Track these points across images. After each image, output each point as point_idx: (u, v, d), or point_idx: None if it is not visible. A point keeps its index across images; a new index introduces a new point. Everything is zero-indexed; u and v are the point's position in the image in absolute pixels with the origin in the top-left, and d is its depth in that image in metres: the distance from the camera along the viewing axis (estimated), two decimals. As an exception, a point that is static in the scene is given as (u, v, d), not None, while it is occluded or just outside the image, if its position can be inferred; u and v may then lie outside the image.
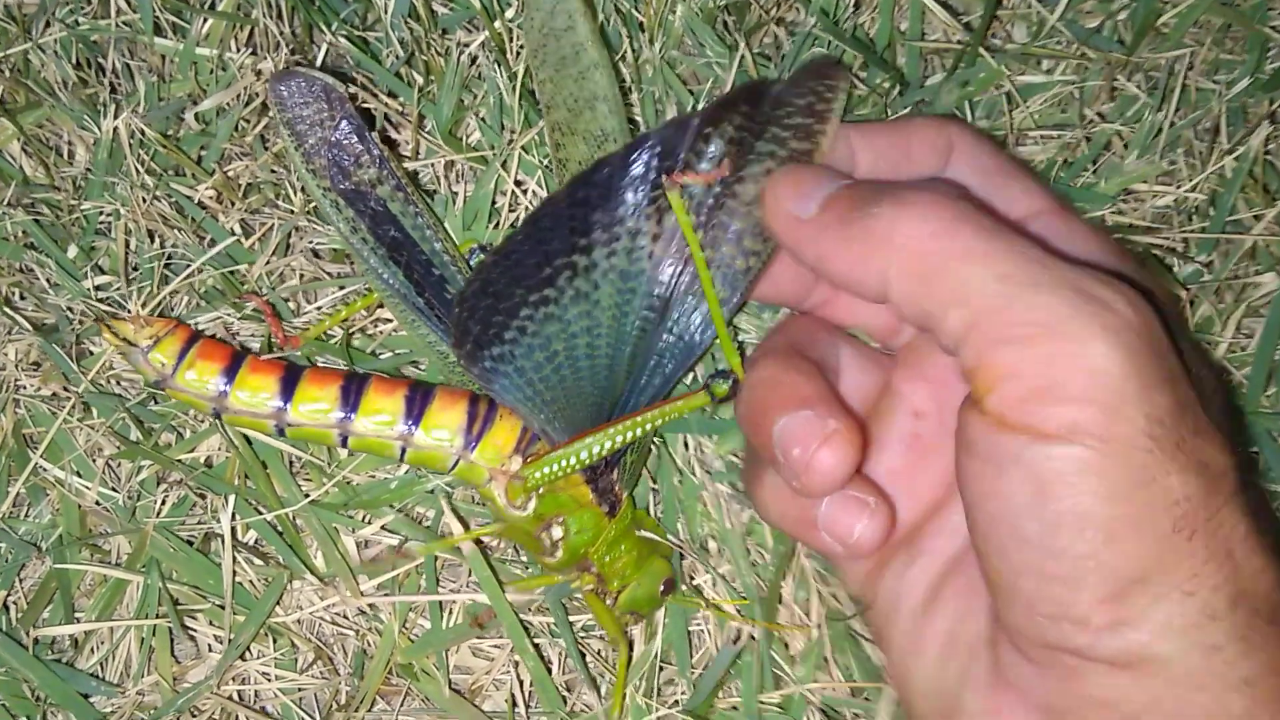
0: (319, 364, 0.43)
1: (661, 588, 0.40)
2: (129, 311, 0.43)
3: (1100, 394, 0.27)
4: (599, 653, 0.42)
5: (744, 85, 0.37)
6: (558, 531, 0.40)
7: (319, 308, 0.44)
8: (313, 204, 0.45)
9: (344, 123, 0.39)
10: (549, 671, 0.41)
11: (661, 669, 0.42)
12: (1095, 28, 0.49)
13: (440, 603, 0.42)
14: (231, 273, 0.44)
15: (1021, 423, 0.28)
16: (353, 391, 0.39)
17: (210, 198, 0.45)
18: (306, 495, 0.42)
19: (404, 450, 0.39)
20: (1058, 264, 0.29)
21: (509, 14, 0.47)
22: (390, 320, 0.44)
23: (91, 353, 0.44)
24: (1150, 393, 0.28)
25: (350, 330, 0.43)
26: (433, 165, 0.46)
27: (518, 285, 0.36)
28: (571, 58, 0.41)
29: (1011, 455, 0.28)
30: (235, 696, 0.41)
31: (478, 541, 0.41)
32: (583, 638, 0.42)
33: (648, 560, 0.40)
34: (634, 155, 0.36)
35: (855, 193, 0.33)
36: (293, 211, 0.45)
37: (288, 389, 0.39)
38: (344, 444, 0.40)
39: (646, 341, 0.37)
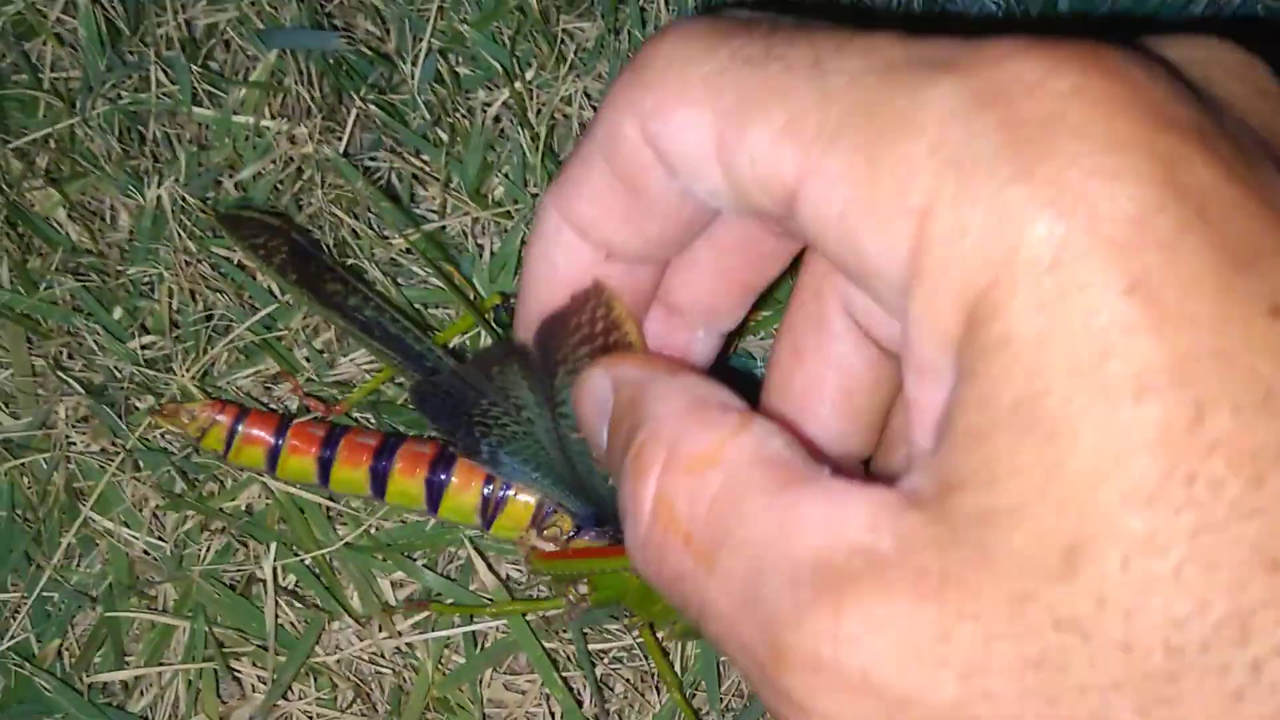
0: (354, 425, 0.44)
1: None
2: (174, 373, 0.46)
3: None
4: (628, 680, 0.43)
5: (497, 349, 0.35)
6: (584, 588, 0.41)
7: (353, 359, 0.46)
8: (348, 262, 0.47)
9: (291, 250, 0.41)
10: (579, 705, 0.43)
11: (694, 695, 0.43)
12: None
13: (474, 634, 0.43)
14: (268, 328, 0.46)
15: None
16: (380, 472, 0.42)
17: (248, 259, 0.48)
18: (343, 540, 0.44)
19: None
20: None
21: (529, 74, 0.49)
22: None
23: (138, 408, 0.46)
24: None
25: (379, 396, 0.45)
26: (460, 222, 0.48)
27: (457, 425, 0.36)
28: None
29: None
30: (279, 736, 0.43)
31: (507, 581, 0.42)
32: (614, 668, 0.44)
33: None
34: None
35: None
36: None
37: (324, 471, 0.43)
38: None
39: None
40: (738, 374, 0.46)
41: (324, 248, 0.47)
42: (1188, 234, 0.17)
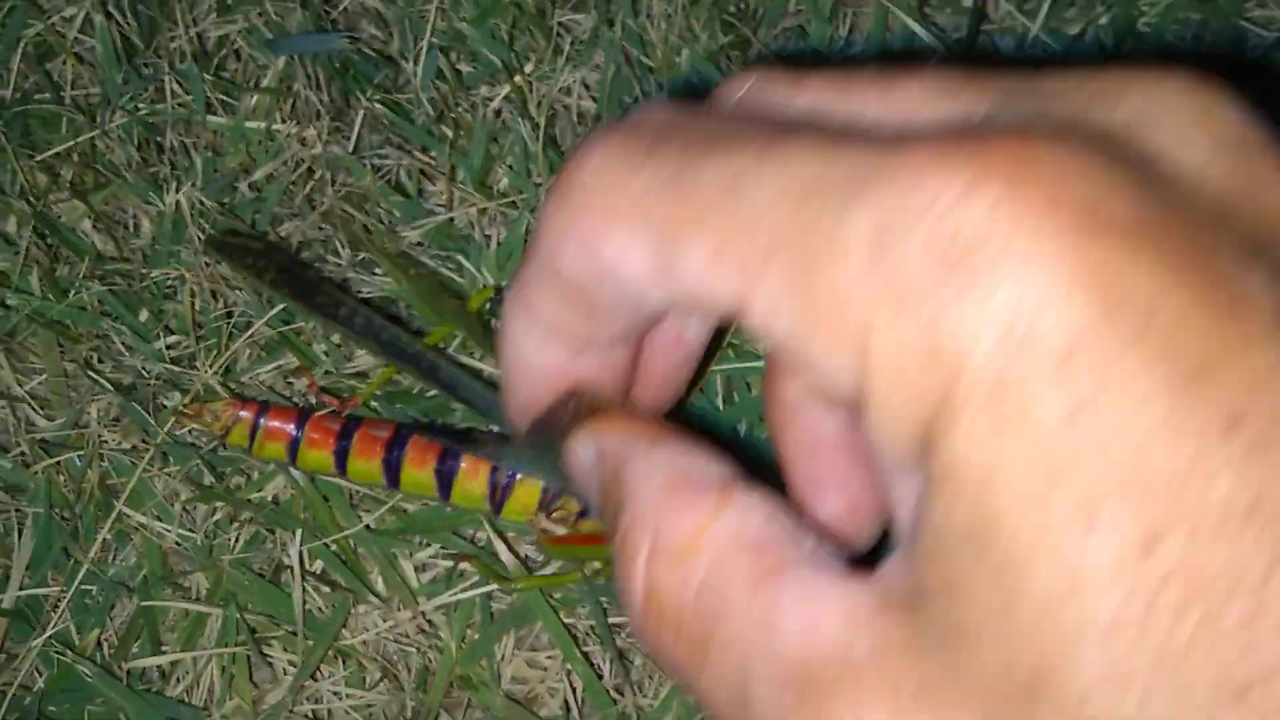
0: (368, 418, 0.46)
1: None
2: (198, 370, 0.47)
3: None
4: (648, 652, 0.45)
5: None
6: (597, 564, 0.43)
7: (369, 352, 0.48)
8: (360, 256, 0.49)
9: (279, 267, 0.43)
10: (599, 677, 0.44)
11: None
12: (1078, 33, 0.51)
13: (492, 611, 0.45)
14: (286, 323, 0.48)
15: None
16: (393, 464, 0.44)
17: (265, 258, 0.49)
18: (366, 524, 0.45)
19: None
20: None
21: (528, 68, 0.51)
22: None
23: (166, 406, 0.48)
24: None
25: (395, 386, 0.47)
26: (467, 213, 0.49)
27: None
28: None
29: None
30: (310, 715, 0.45)
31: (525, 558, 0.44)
32: (634, 640, 0.45)
33: None
34: None
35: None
36: (340, 264, 0.49)
37: (341, 463, 0.45)
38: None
39: None
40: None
41: (337, 243, 0.49)
42: (1130, 351, 0.16)
